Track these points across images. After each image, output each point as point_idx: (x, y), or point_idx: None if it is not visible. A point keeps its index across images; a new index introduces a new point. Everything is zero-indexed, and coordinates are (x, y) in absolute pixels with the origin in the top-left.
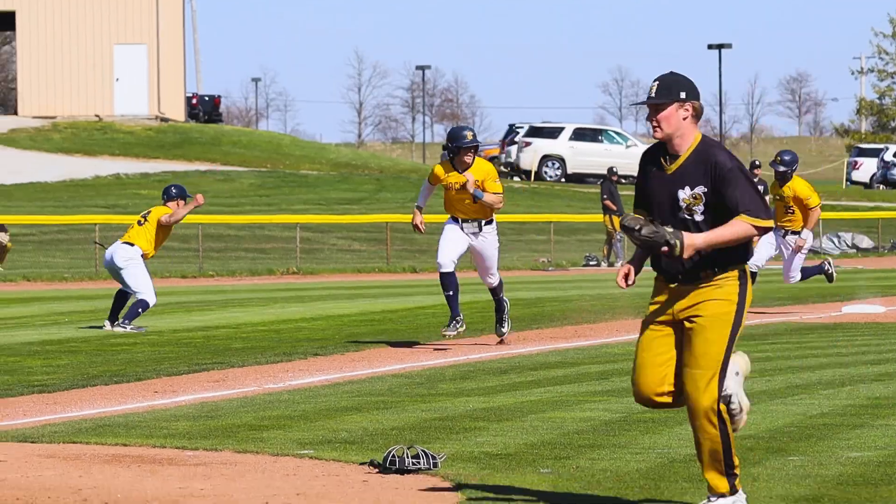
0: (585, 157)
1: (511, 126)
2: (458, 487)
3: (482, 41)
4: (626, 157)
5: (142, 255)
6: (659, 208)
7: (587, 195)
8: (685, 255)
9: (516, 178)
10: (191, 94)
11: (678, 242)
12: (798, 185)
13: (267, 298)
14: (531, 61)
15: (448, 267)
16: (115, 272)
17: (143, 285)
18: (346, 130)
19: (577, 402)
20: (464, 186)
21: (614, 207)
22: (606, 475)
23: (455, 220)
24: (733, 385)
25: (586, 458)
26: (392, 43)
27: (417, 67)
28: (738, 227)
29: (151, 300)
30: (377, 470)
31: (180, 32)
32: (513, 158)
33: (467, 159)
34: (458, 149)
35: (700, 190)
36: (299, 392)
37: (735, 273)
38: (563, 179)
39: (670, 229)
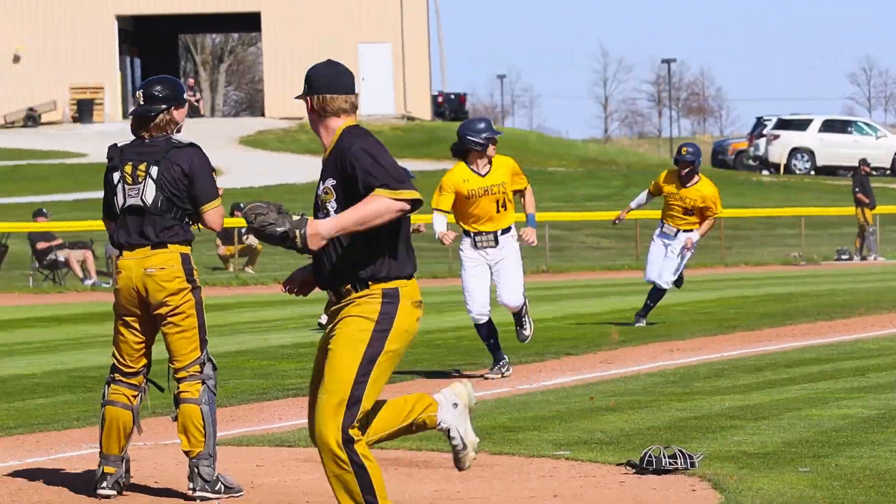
0: (835, 149)
1: (759, 119)
2: (715, 487)
3: (728, 33)
4: (876, 149)
5: None
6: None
7: (838, 188)
8: (311, 246)
9: (765, 172)
10: (436, 93)
11: (298, 233)
12: (707, 188)
13: None
14: (778, 52)
15: (484, 318)
16: None
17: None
18: (592, 126)
19: (834, 398)
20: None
21: (867, 200)
22: (866, 473)
23: (467, 234)
24: (451, 418)
25: (845, 456)
26: (637, 37)
27: (663, 61)
28: (373, 203)
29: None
30: (634, 470)
31: (425, 30)
32: (761, 152)
33: (489, 154)
34: (468, 148)
35: (330, 183)
36: (553, 392)
37: (378, 291)
38: (812, 172)
39: (297, 218)
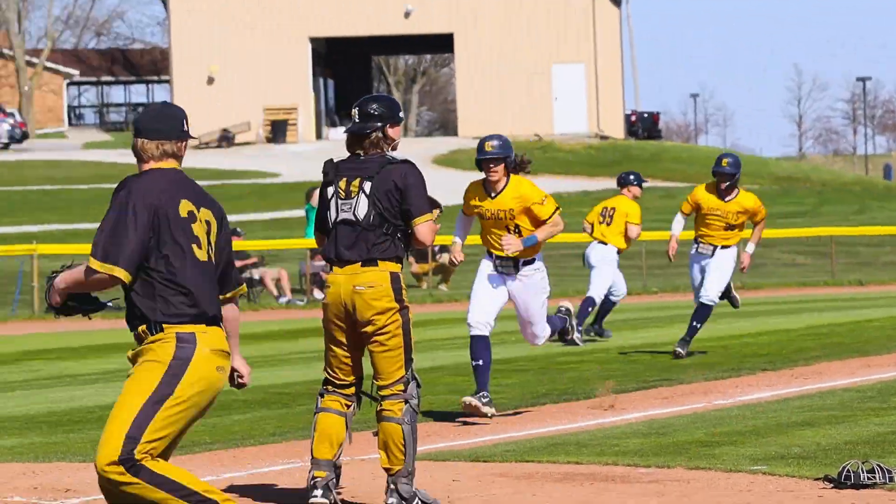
0: None
1: None
2: None
3: None
4: None
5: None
6: None
7: None
8: (50, 301)
9: None
10: (630, 112)
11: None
12: (748, 200)
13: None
14: None
15: (481, 329)
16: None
17: (601, 285)
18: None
19: None
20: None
21: None
22: None
23: (490, 255)
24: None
25: None
26: (831, 55)
27: (858, 79)
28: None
29: (598, 298)
30: (832, 485)
31: (618, 51)
32: None
33: (492, 176)
34: (479, 163)
35: None
36: (749, 407)
37: (170, 335)
38: None
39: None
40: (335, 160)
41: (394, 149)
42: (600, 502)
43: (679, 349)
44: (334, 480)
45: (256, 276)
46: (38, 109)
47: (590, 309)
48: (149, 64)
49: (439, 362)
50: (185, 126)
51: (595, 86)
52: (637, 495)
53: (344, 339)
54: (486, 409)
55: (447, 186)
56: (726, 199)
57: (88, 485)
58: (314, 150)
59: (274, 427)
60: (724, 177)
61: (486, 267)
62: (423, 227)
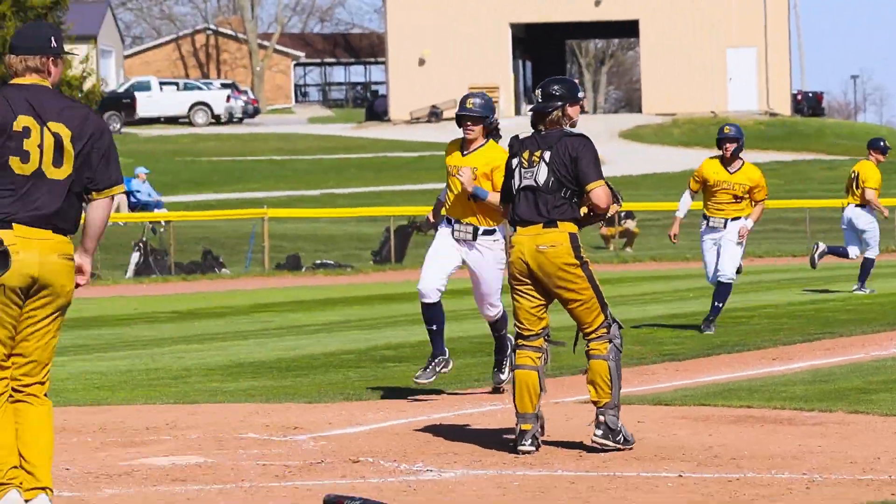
0: None
1: None
2: None
3: None
4: None
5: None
6: None
7: None
8: None
9: None
10: (796, 91)
11: None
12: (754, 171)
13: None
14: None
15: (431, 297)
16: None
17: (876, 245)
18: None
19: None
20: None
21: None
22: None
23: (449, 221)
24: None
25: None
26: None
27: None
28: None
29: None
30: None
31: (786, 34)
32: None
33: (469, 134)
34: (458, 119)
35: None
36: None
37: None
38: None
39: None
40: (520, 136)
41: (573, 126)
42: (770, 442)
43: (705, 328)
44: (539, 430)
45: None
46: (268, 88)
47: (871, 270)
48: (367, 47)
49: (625, 315)
50: (53, 43)
51: (765, 67)
52: (801, 436)
53: (530, 292)
54: (444, 369)
55: (631, 157)
56: (732, 171)
57: (314, 423)
58: (513, 124)
59: (478, 373)
60: (730, 141)
61: (443, 233)
62: (599, 191)
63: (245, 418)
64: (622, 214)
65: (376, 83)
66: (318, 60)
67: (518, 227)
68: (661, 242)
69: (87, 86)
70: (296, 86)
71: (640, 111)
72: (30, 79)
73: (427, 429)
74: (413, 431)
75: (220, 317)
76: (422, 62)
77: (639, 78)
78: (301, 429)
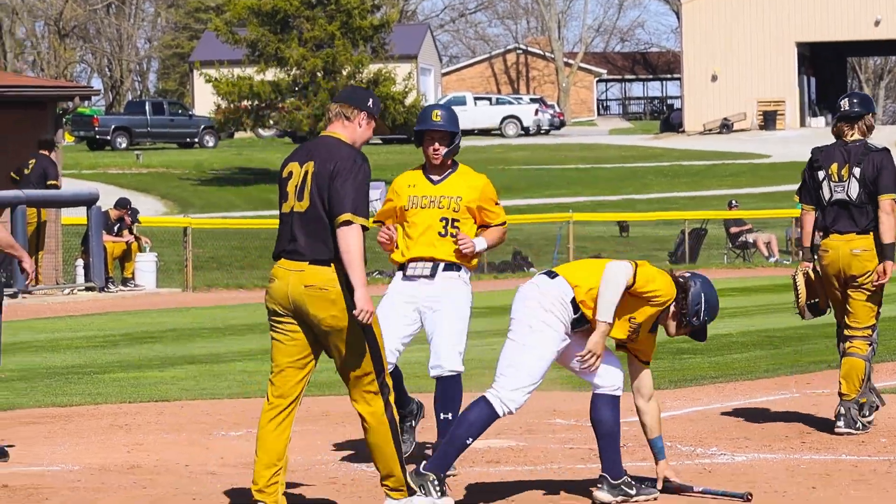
0: None
1: None
2: None
3: None
4: None
5: None
6: None
7: None
8: None
9: None
10: None
11: None
12: None
13: None
14: None
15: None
16: None
17: None
18: None
19: None
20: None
21: None
22: None
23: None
24: None
25: None
26: None
27: None
28: None
29: None
30: None
31: None
32: None
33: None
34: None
35: None
36: None
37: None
38: None
39: None
40: (821, 147)
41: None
42: None
43: None
44: (855, 410)
45: (750, 240)
46: (573, 102)
47: None
48: (664, 65)
49: None
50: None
51: None
52: None
53: (839, 294)
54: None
55: None
56: None
57: None
58: (799, 135)
59: (767, 365)
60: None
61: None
62: (887, 204)
63: (555, 406)
64: None
65: (672, 97)
66: (619, 77)
67: (832, 234)
68: None
69: (408, 101)
70: (598, 100)
71: None
72: (327, 132)
73: (720, 416)
74: (706, 418)
75: None
76: (714, 78)
77: None
78: None
